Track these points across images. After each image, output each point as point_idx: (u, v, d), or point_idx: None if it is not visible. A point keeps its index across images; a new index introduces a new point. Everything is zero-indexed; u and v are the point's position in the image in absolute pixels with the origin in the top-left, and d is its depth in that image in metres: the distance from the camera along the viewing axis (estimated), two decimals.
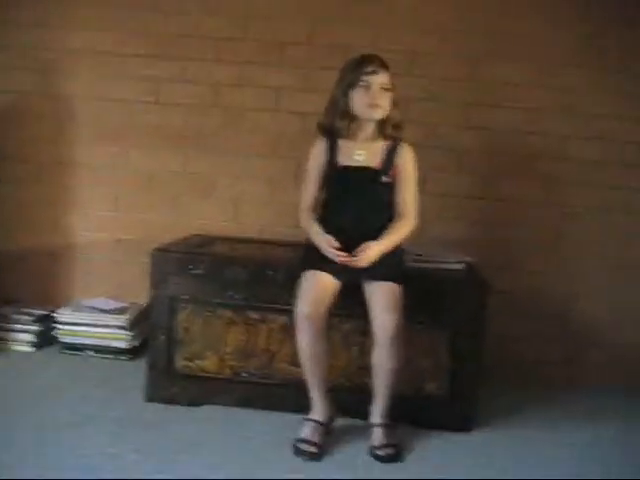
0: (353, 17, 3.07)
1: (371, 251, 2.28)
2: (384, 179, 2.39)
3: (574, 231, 3.09)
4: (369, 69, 2.34)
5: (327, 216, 2.41)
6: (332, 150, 2.41)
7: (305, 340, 2.26)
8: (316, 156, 2.43)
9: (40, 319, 3.01)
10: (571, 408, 2.80)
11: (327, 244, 2.29)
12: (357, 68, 2.36)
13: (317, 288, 2.28)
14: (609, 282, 3.09)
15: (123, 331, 2.95)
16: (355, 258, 2.27)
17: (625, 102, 3.04)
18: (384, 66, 2.37)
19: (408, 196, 2.41)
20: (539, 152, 3.07)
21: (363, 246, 2.29)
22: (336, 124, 2.39)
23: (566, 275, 3.11)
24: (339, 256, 2.27)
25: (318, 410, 2.32)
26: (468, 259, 2.68)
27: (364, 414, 2.35)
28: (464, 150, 3.08)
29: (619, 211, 3.07)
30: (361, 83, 2.34)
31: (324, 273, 2.30)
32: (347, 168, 2.40)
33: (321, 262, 2.31)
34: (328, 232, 2.33)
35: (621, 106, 3.04)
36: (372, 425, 2.31)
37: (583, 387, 3.02)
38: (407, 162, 2.42)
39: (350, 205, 2.38)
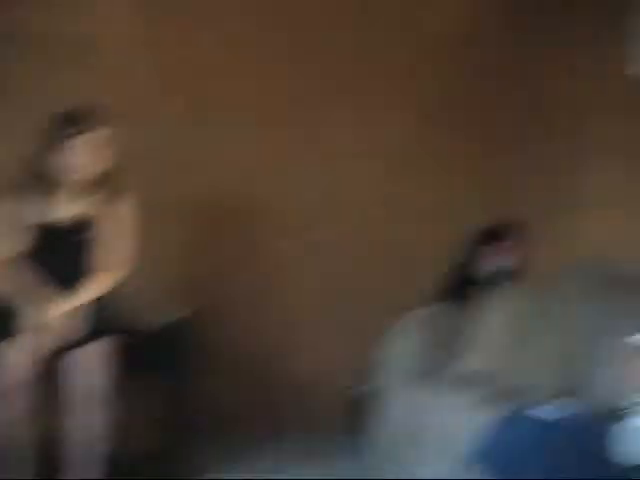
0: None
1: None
2: (85, 235, 2.30)
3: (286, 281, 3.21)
4: (72, 130, 2.23)
5: (26, 274, 2.26)
6: (30, 207, 2.26)
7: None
8: (11, 213, 2.26)
9: None
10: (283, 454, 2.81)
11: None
12: (60, 127, 2.23)
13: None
14: (320, 334, 3.20)
15: None
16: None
17: None
18: (91, 123, 2.25)
19: (111, 246, 2.31)
20: (250, 208, 3.14)
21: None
22: (34, 181, 2.24)
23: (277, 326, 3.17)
24: None
25: None
26: (180, 314, 2.68)
27: None
28: (176, 205, 2.99)
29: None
30: (64, 142, 2.22)
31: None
32: (47, 225, 2.27)
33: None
34: (27, 292, 2.21)
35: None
36: None
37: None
38: (120, 211, 2.31)
39: (50, 265, 2.25)
